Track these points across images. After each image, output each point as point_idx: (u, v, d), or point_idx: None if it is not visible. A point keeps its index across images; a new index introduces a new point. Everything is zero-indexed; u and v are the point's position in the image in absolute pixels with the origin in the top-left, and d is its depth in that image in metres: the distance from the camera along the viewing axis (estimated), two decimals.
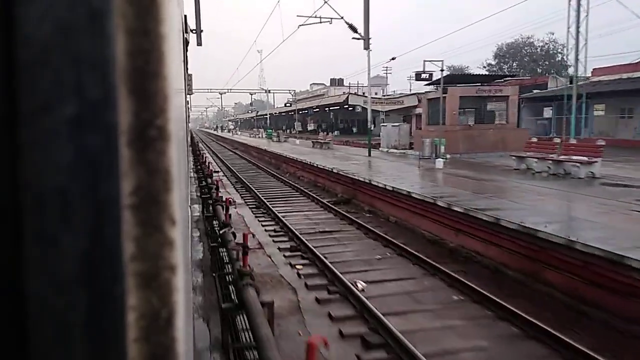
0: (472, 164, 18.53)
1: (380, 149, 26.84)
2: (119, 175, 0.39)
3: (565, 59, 36.39)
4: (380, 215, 13.03)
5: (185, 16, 5.22)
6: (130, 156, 0.41)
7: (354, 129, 56.30)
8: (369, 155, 23.22)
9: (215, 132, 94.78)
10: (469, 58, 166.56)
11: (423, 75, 23.66)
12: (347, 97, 47.81)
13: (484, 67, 65.83)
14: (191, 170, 15.76)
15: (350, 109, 53.53)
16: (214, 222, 7.49)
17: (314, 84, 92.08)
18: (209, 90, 69.12)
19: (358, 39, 22.50)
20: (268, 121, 67.05)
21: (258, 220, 12.72)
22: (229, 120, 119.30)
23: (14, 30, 0.33)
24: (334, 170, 17.14)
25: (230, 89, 70.14)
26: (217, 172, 20.78)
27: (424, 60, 22.40)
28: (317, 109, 58.35)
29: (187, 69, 7.00)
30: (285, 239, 10.66)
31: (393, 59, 28.39)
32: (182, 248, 0.57)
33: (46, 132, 0.34)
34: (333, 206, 13.99)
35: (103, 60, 0.36)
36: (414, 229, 11.24)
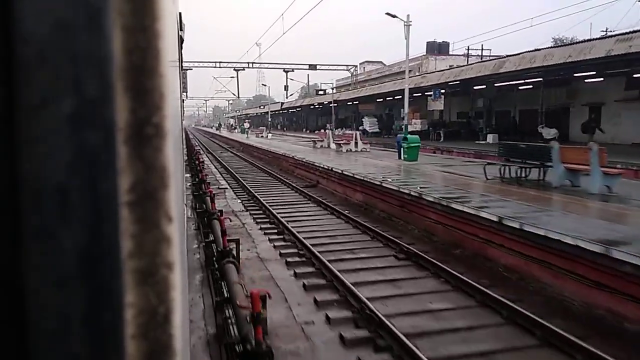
0: None
1: None
2: (117, 172, 0.39)
3: None
4: None
5: (180, 13, 5.20)
6: (128, 153, 0.42)
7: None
8: None
9: (218, 133, 69.62)
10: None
11: None
12: None
13: None
14: None
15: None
16: None
17: (367, 62, 67.61)
18: (217, 65, 45.78)
19: None
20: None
21: None
22: (240, 117, 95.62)
23: (12, 28, 0.33)
24: None
25: (252, 63, 46.77)
26: None
27: None
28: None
29: (182, 66, 6.98)
30: None
31: None
32: (179, 245, 0.57)
33: (44, 129, 0.34)
34: None
35: (100, 58, 0.37)
36: None
